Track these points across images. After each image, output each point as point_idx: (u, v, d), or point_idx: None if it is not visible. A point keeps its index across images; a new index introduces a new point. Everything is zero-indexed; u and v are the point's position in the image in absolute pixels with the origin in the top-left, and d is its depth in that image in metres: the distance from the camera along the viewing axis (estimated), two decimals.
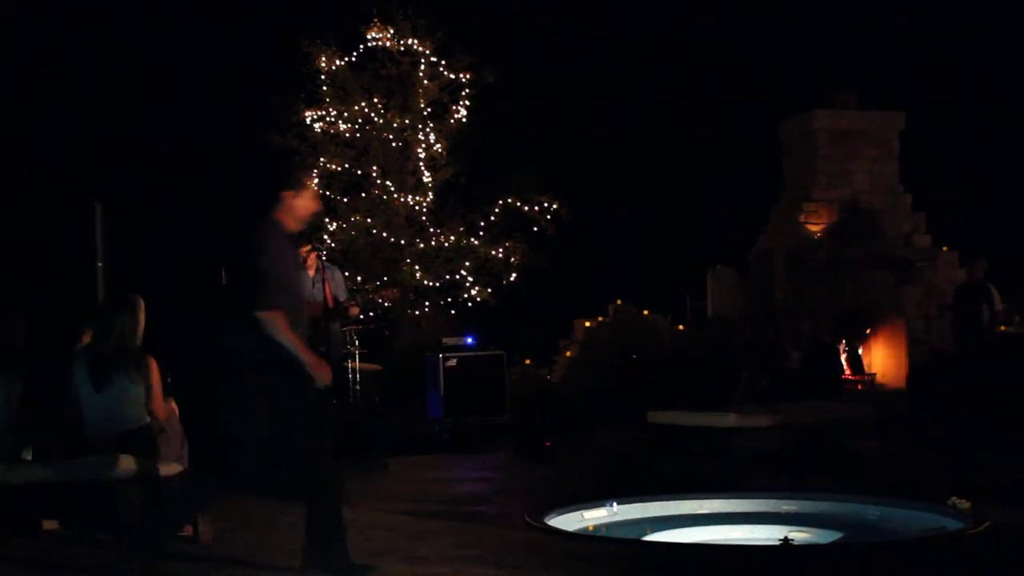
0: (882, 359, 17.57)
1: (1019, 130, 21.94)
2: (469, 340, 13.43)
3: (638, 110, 24.64)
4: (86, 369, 7.11)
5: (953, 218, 18.80)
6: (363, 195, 17.59)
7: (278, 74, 17.62)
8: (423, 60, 17.39)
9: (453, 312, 17.64)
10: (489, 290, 17.66)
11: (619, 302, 18.03)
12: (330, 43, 17.31)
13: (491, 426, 12.77)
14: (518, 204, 17.64)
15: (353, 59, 17.49)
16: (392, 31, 17.25)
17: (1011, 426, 11.08)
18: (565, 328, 18.32)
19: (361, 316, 11.44)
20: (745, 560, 6.93)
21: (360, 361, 11.15)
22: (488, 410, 12.90)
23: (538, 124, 22.00)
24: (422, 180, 17.58)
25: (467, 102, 17.68)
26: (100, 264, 10.87)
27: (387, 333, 16.96)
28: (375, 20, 17.28)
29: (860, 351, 17.45)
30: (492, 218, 17.69)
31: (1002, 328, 14.72)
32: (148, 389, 7.17)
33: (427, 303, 17.73)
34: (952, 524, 7.49)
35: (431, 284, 17.64)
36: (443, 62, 17.45)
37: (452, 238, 17.53)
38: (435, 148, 17.58)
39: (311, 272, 10.82)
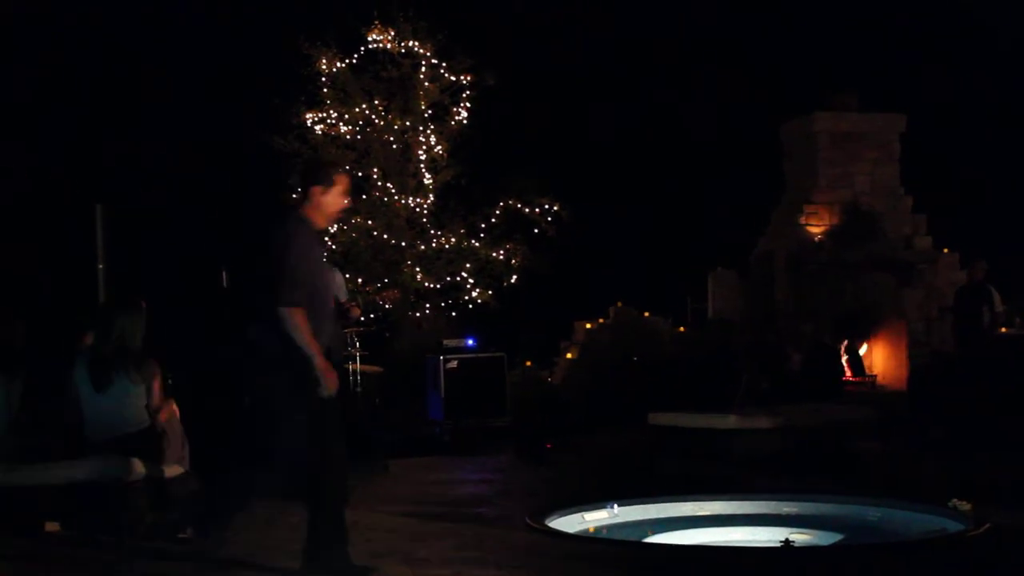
0: (883, 361, 17.57)
1: (1019, 131, 21.93)
2: (470, 342, 13.43)
3: (639, 112, 24.67)
4: (87, 370, 7.11)
5: (954, 220, 18.80)
6: (364, 197, 17.59)
7: (279, 76, 17.63)
8: (424, 62, 17.39)
9: (454, 314, 17.65)
10: (490, 292, 17.67)
11: (620, 304, 18.03)
12: (331, 45, 17.31)
13: (492, 428, 12.76)
14: (519, 206, 17.64)
15: (354, 61, 17.50)
16: (393, 33, 17.26)
17: (1012, 428, 11.08)
18: (566, 330, 18.32)
19: (362, 318, 11.46)
20: (746, 562, 6.93)
21: (361, 363, 11.16)
22: (489, 412, 12.89)
23: (539, 126, 22.02)
24: (423, 182, 17.59)
25: (468, 104, 17.68)
26: (101, 266, 10.87)
27: (388, 335, 16.97)
28: (376, 22, 17.29)
29: (861, 353, 17.45)
30: (493, 220, 17.69)
31: (1003, 330, 14.72)
32: (149, 390, 7.17)
33: (428, 305, 17.73)
34: (953, 526, 7.49)
35: (432, 286, 17.65)
36: (444, 64, 17.45)
37: (453, 240, 17.53)
38: (436, 150, 17.59)
39: None
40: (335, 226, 17.15)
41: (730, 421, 10.62)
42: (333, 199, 6.24)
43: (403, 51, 17.37)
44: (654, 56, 24.31)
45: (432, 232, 17.61)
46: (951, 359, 14.79)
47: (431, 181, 17.58)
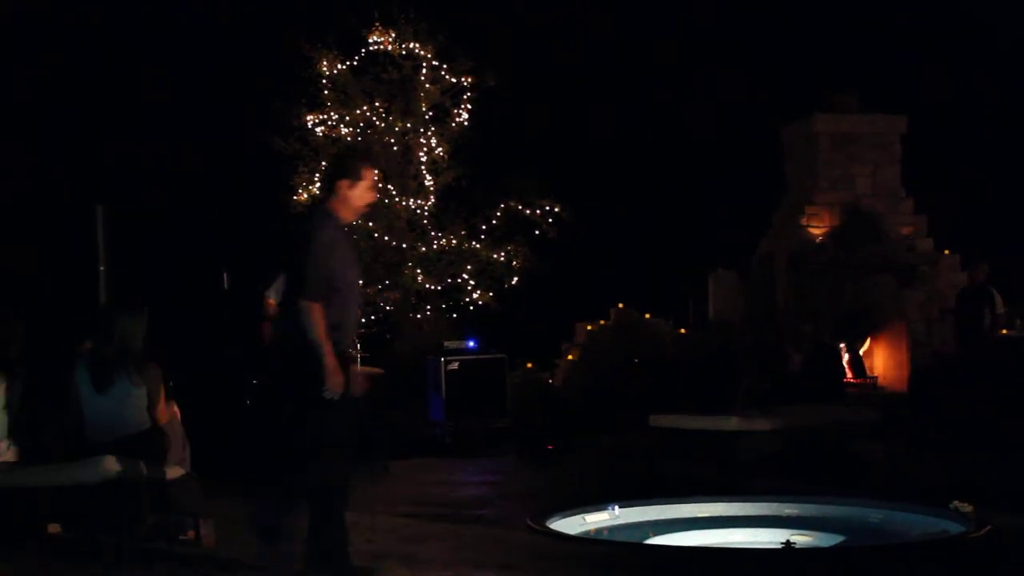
0: (884, 362, 17.56)
1: (1020, 133, 21.93)
2: (471, 343, 13.43)
3: (639, 113, 24.65)
4: (87, 371, 7.10)
5: (955, 222, 18.79)
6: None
7: (279, 77, 17.63)
8: (424, 64, 17.38)
9: (455, 315, 17.64)
10: (491, 293, 17.66)
11: (620, 305, 18.02)
12: (331, 47, 17.30)
13: (492, 429, 12.77)
14: (520, 207, 17.63)
15: (355, 63, 17.49)
16: (393, 35, 17.25)
17: (1013, 429, 11.07)
18: (567, 331, 18.32)
19: (363, 319, 11.46)
20: (747, 563, 6.93)
21: (362, 364, 11.15)
22: (489, 413, 12.89)
23: (539, 127, 22.02)
24: (424, 183, 17.58)
25: (469, 105, 17.68)
26: (102, 267, 10.86)
27: (389, 336, 16.96)
28: (376, 24, 17.29)
29: (861, 354, 17.44)
30: (494, 221, 17.69)
31: (1004, 331, 14.72)
32: (150, 392, 7.16)
33: (429, 306, 17.72)
34: (954, 527, 7.49)
35: (433, 287, 17.64)
36: (444, 65, 17.45)
37: (454, 241, 17.53)
38: (437, 152, 17.58)
39: None
40: None
41: (731, 422, 10.62)
42: (360, 193, 6.17)
43: (404, 53, 17.37)
44: (654, 56, 24.31)
45: (433, 234, 17.61)
46: (952, 361, 14.79)
47: (432, 183, 17.58)
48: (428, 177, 17.58)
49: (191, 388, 9.39)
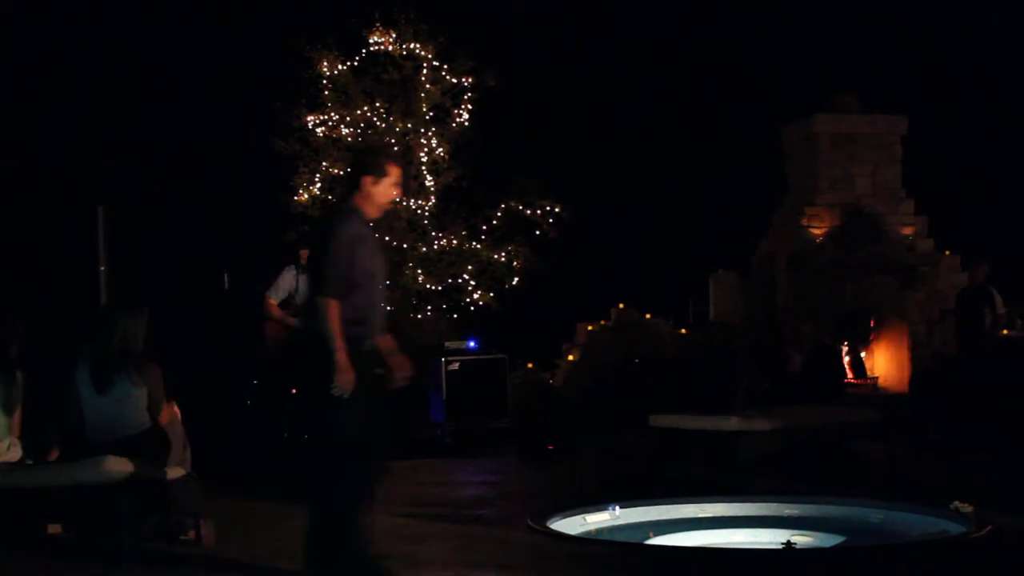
0: (884, 363, 17.56)
1: (1021, 133, 21.93)
2: (471, 344, 13.42)
3: (639, 113, 24.67)
4: (88, 371, 7.10)
5: (955, 222, 18.80)
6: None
7: (280, 78, 17.63)
8: (425, 64, 17.38)
9: (455, 316, 17.64)
10: (491, 294, 17.66)
11: (621, 305, 18.03)
12: (332, 47, 17.30)
13: (493, 429, 12.76)
14: (520, 207, 17.64)
15: (355, 63, 17.49)
16: (394, 35, 17.25)
17: (1013, 430, 11.07)
18: (567, 331, 18.32)
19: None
20: (747, 563, 6.92)
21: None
22: (490, 414, 12.88)
23: (539, 127, 22.02)
24: (424, 184, 17.58)
25: (469, 106, 17.67)
26: (102, 267, 10.87)
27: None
28: (377, 24, 17.28)
29: (862, 355, 17.44)
30: (494, 222, 17.69)
31: (1004, 332, 14.72)
32: (151, 392, 7.16)
33: (429, 307, 17.72)
34: (954, 528, 7.49)
35: (433, 288, 17.64)
36: (445, 66, 17.44)
37: (454, 242, 17.53)
38: (437, 152, 17.58)
39: None
40: None
41: (731, 423, 10.61)
42: (384, 190, 6.12)
43: (404, 53, 17.37)
44: (654, 56, 24.32)
45: (433, 234, 17.61)
46: (953, 361, 14.80)
47: (432, 183, 17.57)
48: (429, 177, 17.57)
49: (191, 388, 9.39)
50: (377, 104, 17.43)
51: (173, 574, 6.53)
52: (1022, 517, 7.53)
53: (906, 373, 16.38)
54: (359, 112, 17.34)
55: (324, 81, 17.38)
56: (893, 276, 17.51)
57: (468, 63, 17.40)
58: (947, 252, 18.18)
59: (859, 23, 23.99)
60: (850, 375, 16.80)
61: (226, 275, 11.59)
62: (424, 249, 17.55)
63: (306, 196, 16.97)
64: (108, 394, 7.06)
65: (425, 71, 17.41)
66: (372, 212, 6.16)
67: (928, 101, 20.97)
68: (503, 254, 17.57)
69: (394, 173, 6.16)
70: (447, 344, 13.36)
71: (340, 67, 17.37)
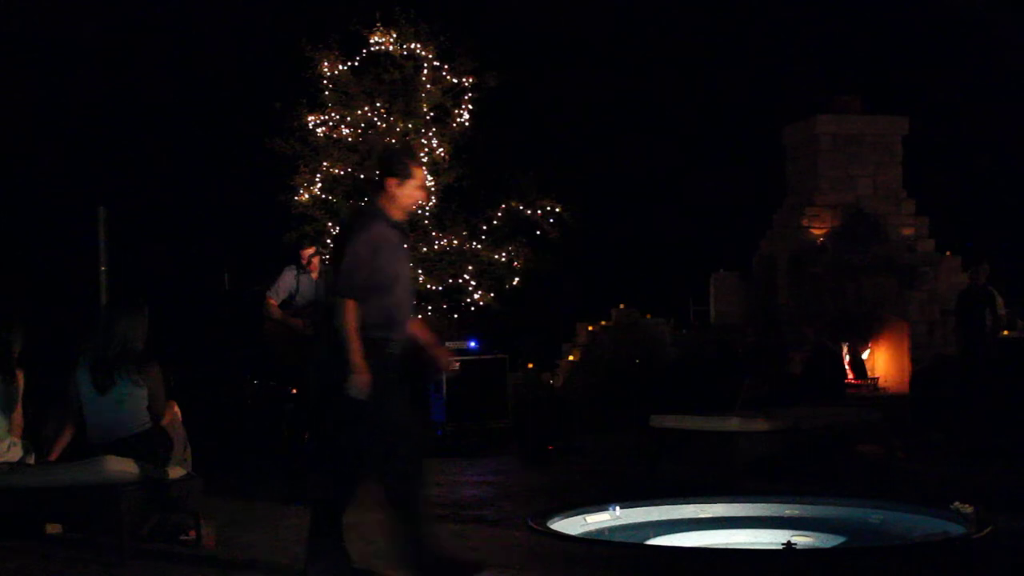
0: (885, 364, 17.57)
1: (1021, 133, 21.93)
2: (472, 344, 13.42)
3: (640, 113, 24.67)
4: (88, 371, 7.10)
5: (956, 223, 18.81)
6: (365, 199, 17.57)
7: (280, 78, 17.62)
8: (426, 64, 17.37)
9: (456, 316, 17.62)
10: (492, 294, 17.65)
11: (621, 306, 18.02)
12: (332, 47, 17.29)
13: (493, 430, 12.76)
14: (521, 208, 17.62)
15: (356, 64, 17.48)
16: (395, 35, 17.24)
17: (1014, 430, 11.07)
18: (568, 332, 18.31)
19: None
20: (748, 564, 6.92)
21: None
22: (490, 414, 12.88)
23: (540, 128, 22.03)
24: (425, 184, 17.54)
25: (469, 106, 17.66)
26: (103, 268, 10.86)
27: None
28: (378, 24, 17.27)
29: (863, 356, 17.44)
30: (495, 222, 17.68)
31: (1005, 333, 14.73)
32: (151, 392, 7.16)
33: (430, 307, 17.71)
34: (955, 529, 7.48)
35: (434, 288, 17.63)
36: (446, 66, 17.44)
37: (455, 242, 17.52)
38: (438, 152, 17.56)
39: (314, 275, 10.84)
40: (337, 228, 17.15)
41: (732, 423, 10.60)
42: (409, 192, 6.12)
43: (405, 53, 17.35)
44: (656, 57, 24.32)
45: (434, 234, 17.59)
46: (953, 362, 14.80)
47: (433, 183, 17.55)
48: (429, 177, 17.55)
49: (191, 388, 9.39)
50: (378, 104, 17.41)
51: (173, 574, 6.53)
52: (1023, 518, 7.53)
53: (906, 374, 16.39)
54: (360, 112, 17.32)
55: (324, 81, 17.37)
56: (894, 277, 17.51)
57: (469, 63, 17.39)
58: (948, 253, 18.19)
59: (860, 24, 24.00)
60: (851, 376, 16.80)
61: (226, 276, 11.59)
62: (424, 249, 17.53)
63: (306, 196, 16.96)
64: (108, 394, 7.06)
65: (426, 71, 17.40)
66: (397, 214, 6.14)
67: (929, 102, 20.98)
68: (503, 254, 17.56)
69: (419, 175, 6.16)
70: (447, 344, 13.35)
71: (341, 67, 17.36)
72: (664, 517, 8.56)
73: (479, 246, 17.55)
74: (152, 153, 20.50)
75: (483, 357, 13.08)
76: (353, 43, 17.47)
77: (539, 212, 17.62)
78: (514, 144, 18.75)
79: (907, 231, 18.13)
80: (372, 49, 17.42)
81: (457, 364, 6.40)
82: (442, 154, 17.57)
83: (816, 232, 17.79)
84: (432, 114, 17.63)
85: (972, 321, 14.50)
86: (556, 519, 7.99)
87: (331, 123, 17.35)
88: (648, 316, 17.99)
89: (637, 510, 8.56)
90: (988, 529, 7.18)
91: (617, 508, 8.44)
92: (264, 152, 16.96)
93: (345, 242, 6.00)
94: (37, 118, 20.01)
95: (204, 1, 21.97)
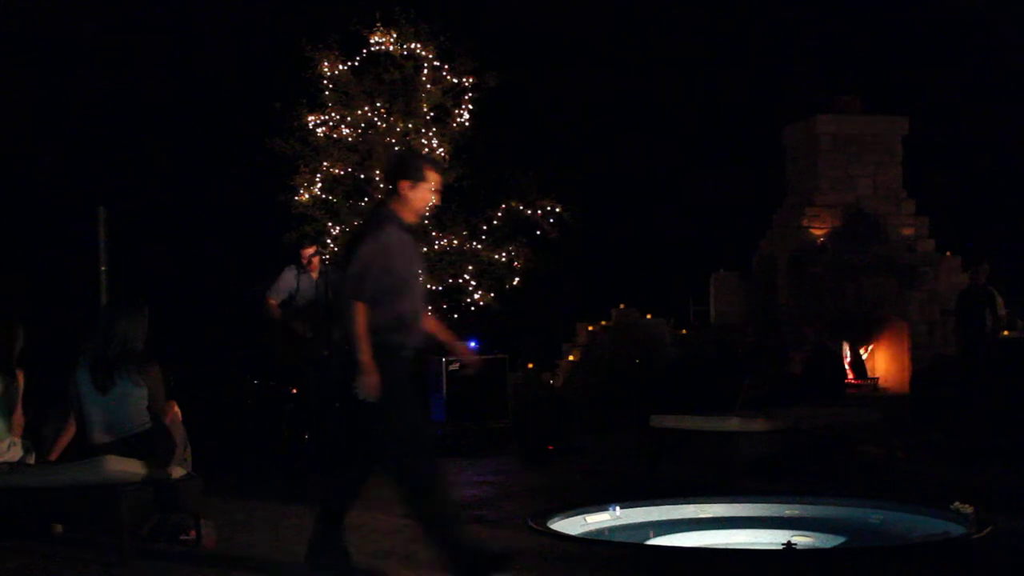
0: (885, 364, 17.57)
1: (1022, 133, 21.93)
2: (472, 344, 13.41)
3: (640, 113, 24.66)
4: (89, 371, 7.10)
5: (957, 223, 18.81)
6: (366, 199, 17.58)
7: (280, 78, 17.61)
8: (426, 64, 17.37)
9: (456, 316, 17.61)
10: (492, 294, 17.65)
11: (621, 306, 18.02)
12: (333, 48, 17.29)
13: (493, 430, 12.76)
14: (521, 208, 17.62)
15: (356, 64, 17.47)
16: (395, 35, 17.24)
17: (1014, 430, 11.07)
18: (568, 332, 18.31)
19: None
20: (748, 564, 6.92)
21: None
22: (490, 414, 12.88)
23: (540, 127, 22.02)
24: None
25: (470, 106, 17.66)
26: (103, 268, 10.86)
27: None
28: (378, 24, 17.26)
29: (863, 356, 17.43)
30: (495, 222, 17.67)
31: (1005, 333, 14.73)
32: (152, 392, 7.16)
33: (430, 307, 17.69)
34: (955, 529, 7.48)
35: (434, 288, 17.62)
36: (446, 66, 17.43)
37: (455, 242, 17.52)
38: (438, 152, 17.55)
39: (314, 275, 10.85)
40: (337, 228, 17.16)
41: (732, 423, 10.60)
42: (422, 195, 6.11)
43: (405, 53, 17.35)
44: (656, 57, 24.32)
45: (434, 234, 17.59)
46: (953, 362, 14.80)
47: None
48: None
49: (191, 388, 9.39)
50: (378, 104, 17.41)
51: (173, 574, 6.53)
52: (1023, 518, 7.53)
53: (907, 374, 16.39)
54: (360, 112, 17.32)
55: (324, 81, 17.36)
56: (894, 277, 17.52)
57: (469, 63, 17.39)
58: (948, 253, 18.20)
59: (860, 23, 24.00)
60: (851, 376, 16.81)
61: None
62: (424, 249, 17.52)
63: (306, 196, 16.96)
64: (109, 394, 7.06)
65: (426, 71, 17.39)
66: (410, 217, 6.14)
67: (929, 102, 20.98)
68: (503, 254, 17.55)
69: (433, 178, 6.14)
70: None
71: (341, 67, 17.36)
72: (664, 517, 8.55)
73: (479, 246, 17.54)
74: (152, 153, 20.49)
75: (483, 357, 13.08)
76: (353, 43, 17.46)
77: (539, 212, 17.61)
78: (514, 144, 18.74)
79: (907, 231, 18.13)
80: (372, 49, 17.41)
81: (474, 359, 6.43)
82: (442, 154, 17.55)
83: (816, 232, 17.79)
84: (432, 114, 17.62)
85: (972, 321, 14.51)
86: (556, 519, 7.99)
87: (331, 123, 17.35)
88: (648, 316, 17.99)
89: (637, 510, 8.56)
90: (988, 529, 7.18)
91: (617, 508, 8.44)
92: (264, 152, 16.94)
93: (357, 245, 5.99)
94: (37, 118, 20.00)
95: (204, 1, 21.98)
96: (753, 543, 8.02)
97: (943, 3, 22.61)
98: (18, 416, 7.41)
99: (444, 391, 12.72)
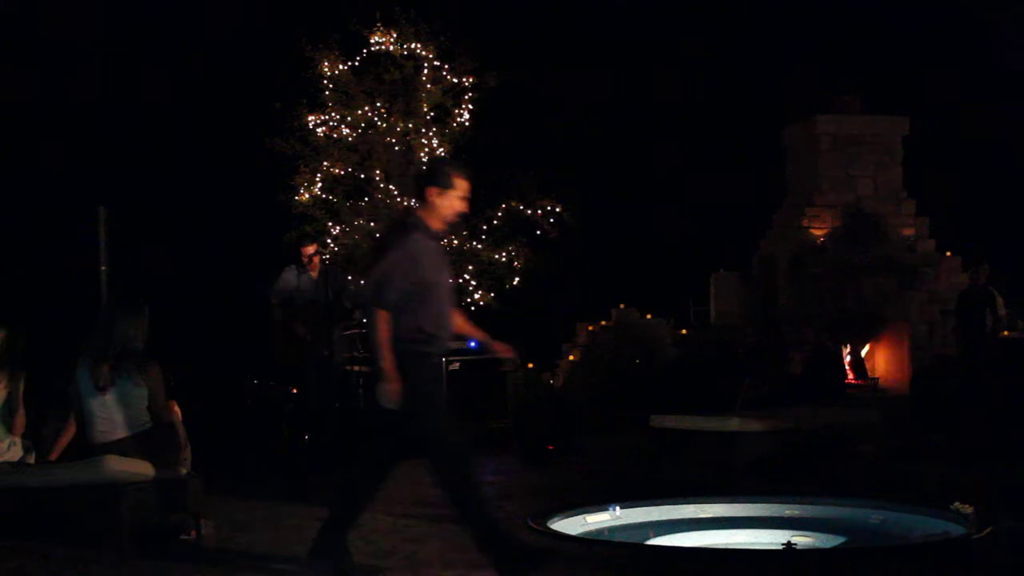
0: (885, 364, 17.57)
1: (1022, 133, 21.92)
2: (472, 344, 13.40)
3: (640, 113, 24.65)
4: (89, 371, 7.10)
5: (957, 223, 18.81)
6: (366, 199, 17.58)
7: (281, 78, 17.60)
8: (426, 64, 17.37)
9: None
10: (492, 294, 17.65)
11: (621, 306, 18.02)
12: (333, 48, 17.29)
13: (493, 430, 12.75)
14: (521, 208, 17.62)
15: (356, 63, 17.47)
16: (395, 35, 17.24)
17: (1015, 431, 11.07)
18: (568, 332, 18.30)
19: (364, 319, 11.41)
20: (748, 564, 6.92)
21: (364, 364, 11.16)
22: (490, 414, 12.87)
23: (541, 127, 22.00)
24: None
25: (470, 106, 17.66)
26: (103, 268, 10.86)
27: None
28: (378, 24, 17.26)
29: (863, 356, 17.43)
30: (495, 222, 17.67)
31: (1005, 333, 14.72)
32: (152, 391, 7.16)
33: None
34: (955, 529, 7.48)
35: None
36: (446, 66, 17.43)
37: (455, 242, 17.51)
38: (438, 152, 17.56)
39: (314, 274, 10.85)
40: (337, 228, 17.15)
41: (732, 424, 10.60)
42: (449, 202, 6.12)
43: (405, 53, 17.35)
44: (655, 57, 24.31)
45: None
46: (953, 362, 14.80)
47: None
48: None
49: (191, 388, 9.39)
50: (378, 104, 17.41)
51: (173, 574, 6.53)
52: (1023, 518, 7.52)
53: (907, 374, 16.39)
54: (360, 112, 17.32)
55: (325, 81, 17.36)
56: (894, 277, 17.52)
57: (469, 63, 17.39)
58: (948, 253, 18.20)
59: (860, 23, 23.99)
60: (851, 376, 16.80)
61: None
62: None
63: (306, 196, 16.96)
64: (109, 394, 7.06)
65: (426, 71, 17.40)
66: (437, 224, 6.15)
67: (930, 103, 20.98)
68: (503, 254, 17.55)
69: (461, 186, 6.14)
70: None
71: (341, 67, 17.36)
72: (664, 517, 8.55)
73: (479, 246, 17.54)
74: (152, 153, 20.47)
75: (483, 357, 13.07)
76: (353, 43, 17.46)
77: (539, 212, 17.61)
78: (514, 144, 18.71)
79: (907, 231, 18.14)
80: (372, 49, 17.41)
81: (515, 356, 6.44)
82: (442, 154, 17.56)
83: (816, 232, 17.79)
84: (432, 114, 17.62)
85: (972, 321, 14.52)
86: (556, 519, 7.99)
87: (331, 123, 17.35)
88: (648, 316, 18.00)
89: (637, 510, 8.55)
90: (988, 529, 7.18)
91: (617, 508, 8.43)
92: (264, 152, 16.94)
93: (383, 253, 5.99)
94: (37, 118, 19.99)
95: (204, 1, 21.97)
96: (753, 543, 8.02)
97: (943, 3, 22.61)
98: (20, 416, 7.41)
99: (444, 391, 12.72)
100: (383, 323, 5.83)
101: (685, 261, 21.04)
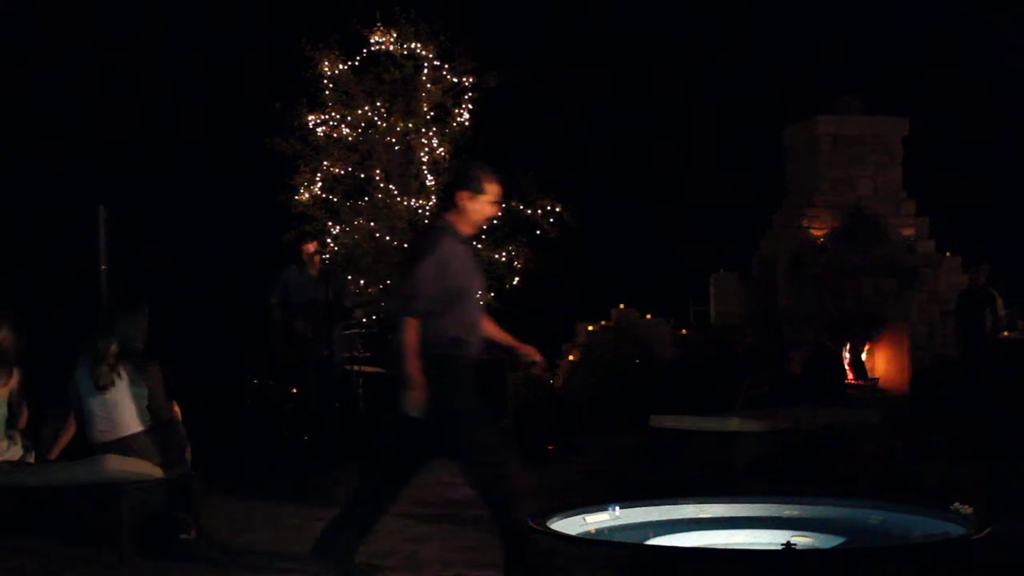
0: (885, 364, 17.55)
1: (1022, 133, 21.92)
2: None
3: (640, 113, 24.65)
4: (88, 371, 7.10)
5: (957, 224, 18.80)
6: (366, 199, 17.59)
7: (281, 78, 17.62)
8: (426, 64, 17.38)
9: None
10: (492, 294, 17.64)
11: (621, 306, 18.02)
12: (333, 47, 17.29)
13: None
14: (521, 208, 17.62)
15: (356, 63, 17.48)
16: (395, 35, 17.24)
17: (1014, 431, 11.07)
18: (568, 332, 18.30)
19: (364, 319, 11.43)
20: (747, 564, 6.91)
21: (364, 364, 11.16)
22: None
23: (541, 127, 21.99)
24: (425, 183, 17.56)
25: (470, 106, 17.67)
26: (103, 268, 10.86)
27: (390, 336, 16.88)
28: (378, 24, 17.27)
29: (863, 356, 17.43)
30: (495, 221, 17.66)
31: (1005, 333, 14.73)
32: (152, 391, 7.16)
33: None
34: (955, 530, 7.46)
35: None
36: (446, 66, 17.44)
37: None
38: (438, 152, 17.57)
39: (314, 273, 10.85)
40: (337, 227, 17.16)
41: (732, 424, 10.60)
42: (480, 207, 6.07)
43: (405, 53, 17.36)
44: (655, 56, 24.31)
45: None
46: (953, 362, 14.81)
47: (433, 183, 17.56)
48: (429, 177, 17.56)
49: (191, 388, 9.39)
50: (378, 104, 17.42)
51: (173, 574, 6.53)
52: (1023, 518, 7.52)
53: (907, 374, 16.39)
54: (360, 112, 17.33)
55: (325, 81, 17.37)
56: (894, 277, 17.51)
57: (469, 63, 17.39)
58: (948, 254, 18.19)
59: (860, 23, 23.98)
60: (851, 376, 16.80)
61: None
62: None
63: (306, 196, 16.97)
64: (108, 393, 7.06)
65: (426, 71, 17.40)
66: (467, 229, 6.13)
67: (930, 103, 20.97)
68: (503, 254, 17.55)
69: (492, 191, 6.09)
70: None
71: (341, 67, 17.36)
72: (664, 517, 8.51)
73: (479, 246, 17.54)
74: (152, 153, 20.47)
75: (483, 357, 13.05)
76: (353, 43, 17.47)
77: (539, 212, 17.62)
78: (514, 144, 18.72)
79: (907, 232, 18.13)
80: (372, 49, 17.42)
81: (542, 359, 6.46)
82: (442, 153, 17.57)
83: (816, 232, 17.79)
84: (432, 114, 17.63)
85: (972, 322, 14.52)
86: (556, 519, 7.96)
87: (331, 123, 17.36)
88: (648, 316, 17.99)
89: (637, 510, 8.52)
90: (988, 529, 7.17)
91: (617, 508, 8.40)
92: (264, 152, 16.95)
93: (413, 259, 5.98)
94: (37, 118, 19.98)
95: (204, 1, 21.96)
96: (753, 543, 7.99)
97: (943, 3, 22.60)
98: (23, 415, 7.41)
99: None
100: (411, 330, 5.84)
101: (685, 261, 21.04)
